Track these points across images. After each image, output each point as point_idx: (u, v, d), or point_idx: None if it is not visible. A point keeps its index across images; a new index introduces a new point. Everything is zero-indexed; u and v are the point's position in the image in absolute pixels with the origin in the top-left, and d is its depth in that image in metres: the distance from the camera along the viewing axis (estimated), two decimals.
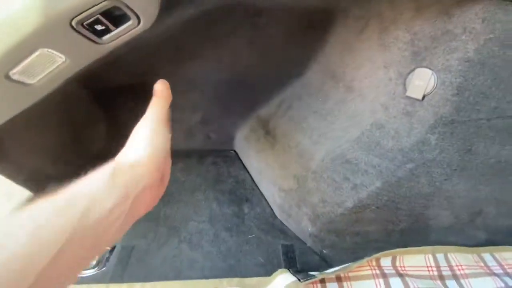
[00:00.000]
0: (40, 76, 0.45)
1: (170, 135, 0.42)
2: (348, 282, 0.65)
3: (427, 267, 0.70)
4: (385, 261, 0.69)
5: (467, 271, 0.69)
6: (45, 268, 0.20)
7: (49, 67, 0.44)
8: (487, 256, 0.73)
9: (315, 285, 0.63)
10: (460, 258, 0.71)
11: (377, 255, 0.68)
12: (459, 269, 0.70)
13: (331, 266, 0.71)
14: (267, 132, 0.97)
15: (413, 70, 0.56)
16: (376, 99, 0.64)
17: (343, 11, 0.74)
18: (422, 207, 0.67)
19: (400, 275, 0.66)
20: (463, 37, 0.48)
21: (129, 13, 0.40)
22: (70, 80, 0.52)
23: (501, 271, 0.70)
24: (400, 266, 0.69)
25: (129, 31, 0.43)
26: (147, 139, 0.34)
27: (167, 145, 0.36)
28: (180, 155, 1.05)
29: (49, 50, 0.41)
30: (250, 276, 0.68)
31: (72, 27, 0.39)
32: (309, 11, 0.77)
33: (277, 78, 0.93)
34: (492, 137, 0.56)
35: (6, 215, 0.23)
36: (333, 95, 0.78)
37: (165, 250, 0.72)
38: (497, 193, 0.65)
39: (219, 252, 0.72)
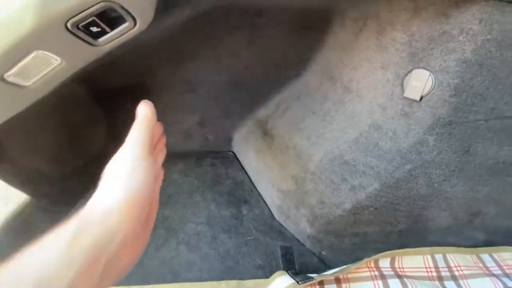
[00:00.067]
0: (36, 78, 0.45)
1: (157, 166, 0.35)
2: (347, 284, 0.65)
3: (426, 268, 0.70)
4: (384, 263, 0.69)
5: (465, 272, 0.69)
6: None
7: (45, 69, 0.44)
8: (485, 257, 0.73)
9: (313, 287, 0.63)
10: (459, 259, 0.71)
11: (376, 256, 0.68)
12: (457, 270, 0.70)
13: (329, 268, 0.70)
14: (265, 133, 0.97)
15: (410, 71, 0.56)
16: (374, 100, 0.64)
17: (341, 12, 0.74)
18: (420, 208, 0.67)
19: (399, 277, 0.66)
20: (461, 38, 0.48)
21: (124, 14, 0.40)
22: (68, 82, 0.51)
23: (500, 272, 0.70)
24: (399, 267, 0.69)
25: (125, 32, 0.43)
26: (124, 177, 0.26)
27: (150, 182, 0.28)
28: (178, 156, 1.05)
29: (44, 52, 0.40)
30: (249, 278, 0.67)
31: (68, 29, 0.38)
32: (307, 12, 0.77)
33: (275, 79, 0.93)
34: (490, 138, 0.56)
35: None
36: (331, 96, 0.78)
37: (163, 252, 0.72)
38: (496, 194, 0.65)
39: (217, 254, 0.72)
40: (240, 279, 0.67)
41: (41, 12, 0.36)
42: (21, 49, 0.39)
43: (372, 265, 0.68)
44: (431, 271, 0.69)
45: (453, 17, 0.49)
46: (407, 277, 0.67)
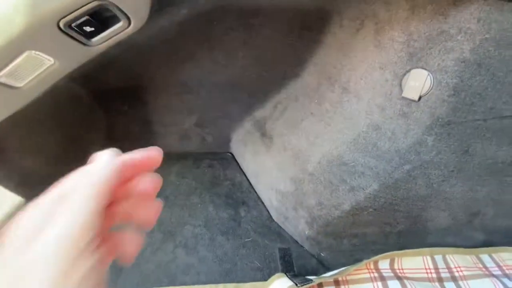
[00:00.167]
0: (28, 79, 0.44)
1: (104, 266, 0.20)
2: (346, 286, 0.64)
3: (426, 269, 0.69)
4: (383, 264, 0.68)
5: (465, 273, 0.69)
6: None
7: (37, 69, 0.43)
8: (485, 257, 0.73)
9: None
10: (459, 260, 0.71)
11: (375, 257, 0.68)
12: (457, 271, 0.69)
13: (328, 270, 0.70)
14: (263, 134, 0.96)
15: (409, 71, 0.56)
16: (372, 100, 0.64)
17: (338, 12, 0.73)
18: (419, 208, 0.66)
19: (399, 278, 0.65)
20: (459, 37, 0.48)
21: (118, 14, 0.39)
22: (63, 82, 0.50)
23: (499, 273, 0.70)
24: (399, 269, 0.68)
25: (120, 32, 0.42)
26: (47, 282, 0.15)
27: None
28: (175, 158, 1.04)
29: (36, 52, 0.40)
30: (247, 281, 0.67)
31: (60, 28, 0.38)
32: (304, 12, 0.76)
33: (273, 79, 0.93)
34: (489, 138, 0.56)
35: None
36: (329, 97, 0.77)
37: (159, 255, 0.71)
38: (495, 194, 0.65)
39: (215, 256, 0.71)
40: (238, 281, 0.66)
41: (32, 11, 0.35)
42: (12, 49, 0.38)
43: (372, 266, 0.68)
44: (430, 272, 0.69)
45: (451, 16, 0.48)
46: (407, 278, 0.66)
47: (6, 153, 0.67)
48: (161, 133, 1.03)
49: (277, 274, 0.65)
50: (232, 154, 1.09)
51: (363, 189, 0.64)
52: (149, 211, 0.24)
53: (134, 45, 0.74)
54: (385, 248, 0.71)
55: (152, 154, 0.24)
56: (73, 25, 0.38)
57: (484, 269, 0.70)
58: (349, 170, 0.66)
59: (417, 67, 0.54)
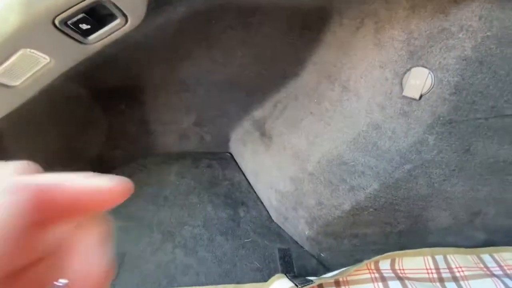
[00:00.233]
0: (24, 78, 0.43)
1: None
2: (347, 287, 0.63)
3: (427, 269, 0.69)
4: (384, 264, 0.68)
5: (466, 273, 0.68)
6: None
7: (33, 68, 0.42)
8: (486, 257, 0.72)
9: None
10: (460, 260, 0.70)
11: (376, 258, 0.67)
12: (458, 271, 0.69)
13: (329, 270, 0.69)
14: (263, 133, 0.95)
15: (409, 70, 0.55)
16: (372, 99, 0.63)
17: (338, 10, 0.73)
18: (420, 208, 0.66)
19: (400, 278, 0.65)
20: (460, 35, 0.47)
21: (115, 11, 0.38)
22: (60, 81, 0.50)
23: (500, 272, 0.69)
24: (399, 269, 0.68)
25: (116, 30, 0.41)
26: None
27: None
28: (174, 157, 1.04)
29: (32, 50, 0.39)
30: (247, 282, 0.66)
31: (55, 26, 0.37)
32: (303, 11, 0.76)
33: (272, 78, 0.92)
34: (490, 137, 0.55)
35: None
36: (328, 96, 0.77)
37: (158, 256, 0.70)
38: (496, 193, 0.64)
39: (214, 257, 0.71)
40: (237, 282, 0.66)
41: (27, 8, 0.35)
42: (6, 47, 0.37)
43: (372, 267, 0.67)
44: (431, 272, 0.68)
45: (452, 14, 0.48)
46: (408, 278, 0.66)
47: (3, 154, 0.66)
48: (159, 132, 1.03)
49: (277, 275, 0.64)
50: (231, 154, 1.08)
51: (363, 188, 0.63)
52: None
53: (131, 43, 0.73)
54: (385, 248, 0.70)
55: (106, 186, 0.13)
56: (69, 22, 0.37)
57: (485, 269, 0.70)
58: (349, 169, 0.65)
59: (417, 66, 0.54)
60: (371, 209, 0.65)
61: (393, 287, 0.63)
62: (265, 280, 0.65)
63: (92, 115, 0.93)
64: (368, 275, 0.66)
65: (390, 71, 0.59)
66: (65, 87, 0.82)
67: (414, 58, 0.54)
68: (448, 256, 0.71)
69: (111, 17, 0.40)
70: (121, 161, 0.98)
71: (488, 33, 0.45)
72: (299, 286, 0.58)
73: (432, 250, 0.71)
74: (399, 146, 0.58)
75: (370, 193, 0.62)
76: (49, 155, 0.80)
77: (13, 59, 0.39)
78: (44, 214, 0.12)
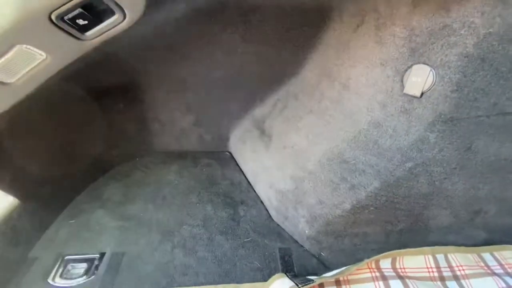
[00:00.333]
0: (20, 75, 0.43)
1: None
2: (348, 286, 0.63)
3: (428, 268, 0.68)
4: (385, 263, 0.67)
5: (467, 272, 0.68)
6: None
7: (29, 64, 0.42)
8: (487, 256, 0.72)
9: None
10: (460, 259, 0.70)
11: (377, 257, 0.67)
12: (459, 270, 0.68)
13: (329, 269, 0.69)
14: (262, 132, 0.95)
15: (410, 67, 0.55)
16: (373, 97, 0.63)
17: (338, 8, 0.72)
18: (421, 207, 0.65)
19: (400, 277, 0.64)
20: (462, 31, 0.47)
21: (113, 6, 0.38)
22: (57, 79, 0.49)
23: (501, 271, 0.69)
24: (400, 268, 0.67)
25: (114, 26, 0.41)
26: None
27: None
28: (173, 156, 1.03)
29: (28, 46, 0.38)
30: (247, 281, 0.65)
31: (52, 21, 0.36)
32: (303, 9, 0.75)
33: (272, 77, 0.91)
34: (492, 135, 0.55)
35: None
36: (329, 94, 0.76)
37: (157, 256, 0.69)
38: (497, 191, 0.64)
39: (214, 257, 0.70)
40: (237, 282, 0.65)
41: (23, 3, 0.34)
42: (2, 43, 0.36)
43: (373, 265, 0.67)
44: (432, 271, 0.68)
45: (454, 10, 0.47)
46: (409, 277, 0.65)
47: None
48: (158, 131, 1.02)
49: (277, 275, 0.64)
50: (231, 153, 1.08)
51: (364, 187, 0.63)
52: None
53: (130, 41, 0.72)
54: (386, 247, 0.70)
55: None
56: (65, 18, 0.37)
57: (486, 268, 0.70)
58: (350, 168, 0.65)
59: (419, 63, 0.53)
60: (371, 208, 0.64)
61: (394, 286, 0.63)
62: (265, 280, 0.64)
63: (90, 114, 0.93)
64: (369, 274, 0.65)
65: (391, 69, 0.58)
66: (62, 86, 0.81)
67: (416, 55, 0.53)
68: (449, 255, 0.71)
69: (109, 13, 0.39)
70: (120, 160, 0.97)
71: (490, 30, 0.45)
72: (299, 286, 0.58)
73: (433, 249, 0.71)
74: (400, 144, 0.58)
75: (371, 192, 0.62)
76: (47, 154, 0.79)
77: (8, 55, 0.38)
78: None
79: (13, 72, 0.42)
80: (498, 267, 0.70)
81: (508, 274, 0.68)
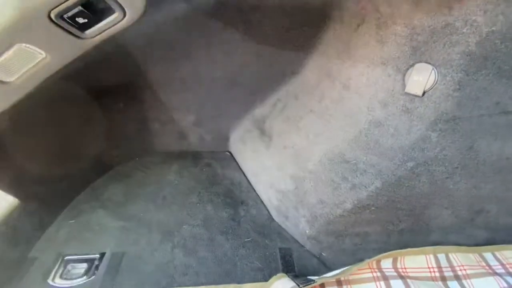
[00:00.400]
0: (19, 74, 0.42)
1: None
2: (349, 286, 0.63)
3: (429, 268, 0.68)
4: (386, 263, 0.67)
5: (469, 272, 0.68)
6: None
7: (29, 63, 0.41)
8: (488, 256, 0.72)
9: None
10: (462, 258, 0.70)
11: (378, 256, 0.67)
12: (460, 270, 0.68)
13: (330, 269, 0.68)
14: (263, 132, 0.95)
15: (412, 66, 0.54)
16: (374, 97, 0.63)
17: (339, 7, 0.72)
18: (422, 206, 0.65)
19: (402, 277, 0.64)
20: (464, 30, 0.47)
21: (113, 4, 0.37)
22: (56, 78, 0.49)
23: (503, 271, 0.69)
24: (401, 268, 0.67)
25: (114, 24, 0.40)
26: None
27: None
28: (173, 156, 1.03)
29: (27, 45, 0.38)
30: (247, 282, 0.65)
31: (51, 20, 0.36)
32: (304, 8, 0.75)
33: (272, 76, 0.91)
34: (494, 134, 0.55)
35: None
36: (329, 94, 0.76)
37: (157, 256, 0.69)
38: (499, 191, 0.64)
39: (214, 257, 0.70)
40: (238, 282, 0.65)
41: (22, 2, 0.34)
42: (1, 42, 0.36)
43: (374, 265, 0.66)
44: (434, 271, 0.67)
45: (456, 8, 0.47)
46: (410, 277, 0.65)
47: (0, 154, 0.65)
48: (159, 131, 1.02)
49: (278, 275, 0.63)
50: (231, 153, 1.07)
51: (365, 187, 0.62)
52: None
53: (129, 40, 0.72)
54: (387, 247, 0.70)
55: None
56: (65, 16, 0.36)
57: (487, 268, 0.69)
58: (351, 167, 0.65)
59: (421, 62, 0.53)
60: (373, 208, 0.64)
61: (395, 286, 0.62)
62: (266, 280, 0.64)
63: (90, 114, 0.92)
64: (370, 274, 0.65)
65: (392, 68, 0.58)
66: (62, 86, 0.81)
67: (417, 54, 0.53)
68: (450, 255, 0.70)
69: (108, 11, 0.39)
70: (120, 160, 0.97)
71: (493, 28, 0.45)
72: (300, 286, 0.57)
73: (434, 248, 0.70)
74: (401, 143, 0.58)
75: (372, 192, 0.62)
76: (47, 154, 0.79)
77: (8, 54, 0.38)
78: None
79: (12, 71, 0.41)
80: (500, 267, 0.70)
81: (509, 273, 0.68)
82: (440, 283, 0.66)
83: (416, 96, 0.54)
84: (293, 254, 0.73)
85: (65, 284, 0.62)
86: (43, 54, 0.41)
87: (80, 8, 0.36)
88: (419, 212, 0.66)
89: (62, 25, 0.37)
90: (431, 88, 0.52)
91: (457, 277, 0.67)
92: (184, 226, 0.77)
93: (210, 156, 1.05)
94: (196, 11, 0.66)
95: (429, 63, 0.51)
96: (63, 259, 0.66)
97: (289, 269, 0.69)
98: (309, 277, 0.64)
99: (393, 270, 0.66)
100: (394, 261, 0.68)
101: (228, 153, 1.08)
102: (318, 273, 0.68)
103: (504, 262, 0.71)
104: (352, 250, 0.72)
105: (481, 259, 0.71)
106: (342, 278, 0.64)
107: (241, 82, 0.94)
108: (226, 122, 1.04)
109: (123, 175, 0.91)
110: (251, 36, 0.81)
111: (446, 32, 0.48)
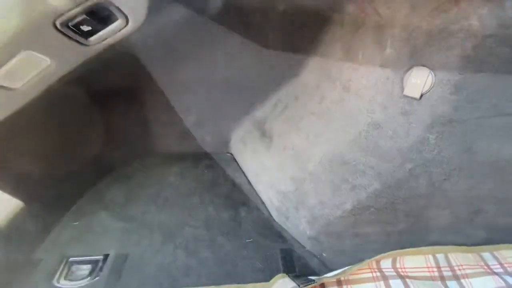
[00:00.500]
0: (25, 80, 0.43)
1: None
2: (349, 286, 0.63)
3: (428, 267, 0.69)
4: (386, 263, 0.68)
5: (467, 271, 0.68)
6: None
7: (34, 70, 0.42)
8: (487, 255, 0.72)
9: None
10: (461, 258, 0.70)
11: (377, 257, 0.67)
12: (459, 269, 0.69)
13: (330, 270, 0.69)
14: (263, 133, 0.95)
15: (410, 69, 0.55)
16: (373, 99, 0.63)
17: (338, 10, 0.73)
18: (421, 207, 0.66)
19: (401, 277, 0.65)
20: (461, 34, 0.47)
21: (116, 12, 0.38)
22: (60, 83, 0.50)
23: (501, 270, 0.70)
24: (401, 268, 0.68)
25: (118, 31, 0.41)
26: None
27: None
28: (174, 158, 1.03)
29: (33, 52, 0.39)
30: (248, 282, 0.66)
31: (56, 28, 0.37)
32: (304, 11, 0.76)
33: (272, 78, 0.92)
34: (491, 136, 0.55)
35: None
36: (329, 95, 0.77)
37: (160, 257, 0.70)
38: (497, 192, 0.64)
39: (215, 258, 0.71)
40: (239, 283, 0.66)
41: (28, 11, 0.34)
42: (7, 50, 0.37)
43: (374, 266, 0.67)
44: (433, 271, 0.68)
45: (452, 13, 0.48)
46: (409, 277, 0.66)
47: (3, 156, 0.66)
48: (160, 133, 1.02)
49: (279, 275, 0.64)
50: (232, 154, 1.08)
51: (364, 188, 0.63)
52: None
53: (131, 44, 0.73)
54: (386, 247, 0.70)
55: None
56: (70, 24, 0.37)
57: (486, 267, 0.70)
58: (351, 169, 0.66)
59: (418, 65, 0.54)
60: (372, 209, 0.65)
61: (394, 285, 0.63)
62: (267, 280, 0.65)
63: (92, 116, 0.93)
64: (370, 274, 0.66)
65: (391, 71, 0.59)
66: (66, 90, 0.82)
67: (415, 57, 0.54)
68: (449, 255, 0.71)
69: (112, 19, 0.40)
70: (121, 162, 0.98)
71: (489, 32, 0.45)
72: (301, 286, 0.58)
73: (433, 248, 0.71)
74: (400, 145, 0.58)
75: (372, 193, 0.62)
76: (49, 156, 0.80)
77: (14, 61, 0.38)
78: None
79: (18, 78, 0.42)
80: (498, 266, 0.70)
81: (508, 273, 0.69)
82: (439, 282, 0.66)
83: (414, 98, 0.55)
84: (293, 255, 0.74)
85: (70, 285, 0.63)
86: (48, 61, 0.41)
87: (84, 16, 0.37)
88: (418, 213, 0.67)
89: (67, 33, 0.38)
90: (428, 91, 0.53)
91: (456, 277, 0.68)
92: (185, 228, 0.78)
93: (211, 158, 1.05)
94: (196, 15, 0.67)
95: (427, 67, 0.52)
96: (67, 261, 0.67)
97: (290, 269, 0.70)
98: (309, 277, 0.65)
99: (392, 270, 0.67)
100: (394, 261, 0.68)
101: (229, 154, 1.08)
102: (318, 273, 0.69)
103: (503, 262, 0.72)
104: (352, 251, 0.73)
105: (479, 259, 0.72)
106: (342, 278, 0.64)
107: (241, 84, 0.95)
108: (227, 124, 1.05)
109: (125, 177, 0.92)
110: (252, 38, 0.82)
111: (443, 36, 0.49)
